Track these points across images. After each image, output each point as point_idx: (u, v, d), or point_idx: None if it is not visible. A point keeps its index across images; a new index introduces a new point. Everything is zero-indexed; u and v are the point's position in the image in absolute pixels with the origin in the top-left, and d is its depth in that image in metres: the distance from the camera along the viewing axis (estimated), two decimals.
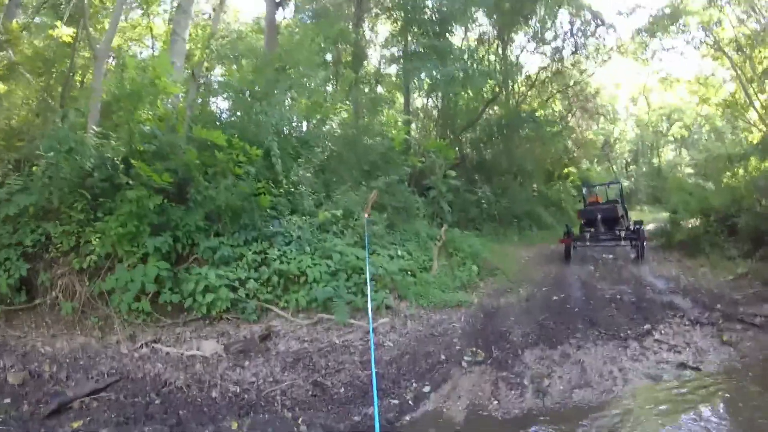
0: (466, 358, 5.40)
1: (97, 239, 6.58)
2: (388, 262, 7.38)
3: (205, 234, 6.76)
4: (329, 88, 13.81)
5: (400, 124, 10.62)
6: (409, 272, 7.84)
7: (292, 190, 8.32)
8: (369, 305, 5.40)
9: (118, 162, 6.99)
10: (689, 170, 32.21)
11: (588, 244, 11.81)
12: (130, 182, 6.54)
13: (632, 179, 28.52)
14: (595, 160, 25.92)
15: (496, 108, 19.81)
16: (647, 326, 6.35)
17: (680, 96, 26.75)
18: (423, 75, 12.60)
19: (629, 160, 31.92)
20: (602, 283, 9.58)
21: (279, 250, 6.89)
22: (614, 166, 29.22)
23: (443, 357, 5.37)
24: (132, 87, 6.31)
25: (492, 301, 7.96)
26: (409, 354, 5.32)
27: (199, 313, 6.22)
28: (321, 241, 7.35)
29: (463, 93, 19.24)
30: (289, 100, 9.01)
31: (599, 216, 13.40)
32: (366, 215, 8.00)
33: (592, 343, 5.99)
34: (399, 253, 8.04)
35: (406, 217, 9.83)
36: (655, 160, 30.85)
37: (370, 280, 6.63)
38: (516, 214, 16.47)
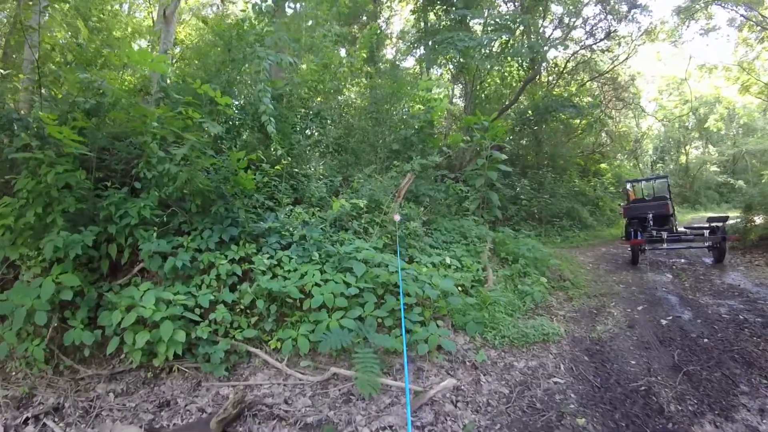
0: None
1: None
2: (436, 274, 4.56)
3: (155, 230, 4.03)
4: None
5: (436, 93, 7.80)
6: (459, 288, 5.05)
7: (296, 171, 5.55)
8: (406, 372, 2.64)
9: (30, 119, 4.31)
10: (715, 168, 28.93)
11: (665, 246, 8.90)
12: (35, 145, 3.85)
13: None
14: (625, 157, 22.75)
15: (523, 98, 16.91)
16: None
17: (716, 85, 23.48)
18: (451, 47, 9.68)
19: (655, 157, 28.61)
20: (700, 296, 7.06)
21: (270, 258, 4.13)
22: (641, 164, 25.98)
23: None
24: None
25: (585, 330, 5.14)
26: None
27: (136, 362, 3.48)
28: (336, 244, 4.57)
29: (490, 81, 16.46)
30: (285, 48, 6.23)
31: (650, 214, 10.82)
32: (396, 214, 5.20)
33: None
34: (447, 260, 5.21)
35: (447, 211, 7.00)
36: (682, 158, 27.51)
37: (411, 305, 3.84)
38: (555, 212, 13.56)
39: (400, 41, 20.80)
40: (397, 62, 18.76)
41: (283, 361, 3.61)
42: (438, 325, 4.02)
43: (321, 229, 4.78)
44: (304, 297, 3.78)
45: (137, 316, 3.27)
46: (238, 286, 3.89)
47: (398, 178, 6.21)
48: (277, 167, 4.73)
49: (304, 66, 7.29)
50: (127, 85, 7.39)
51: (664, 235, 9.10)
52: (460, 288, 5.12)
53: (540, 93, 16.83)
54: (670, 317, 5.83)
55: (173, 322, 3.31)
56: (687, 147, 27.51)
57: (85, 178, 3.94)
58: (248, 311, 3.83)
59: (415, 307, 3.94)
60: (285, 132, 5.78)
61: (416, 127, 6.69)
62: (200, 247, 4.05)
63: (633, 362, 4.41)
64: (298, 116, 6.29)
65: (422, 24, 15.29)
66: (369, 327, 3.47)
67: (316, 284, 3.77)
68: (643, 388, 3.82)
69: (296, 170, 5.58)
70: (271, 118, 4.36)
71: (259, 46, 5.05)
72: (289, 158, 5.14)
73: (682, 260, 10.11)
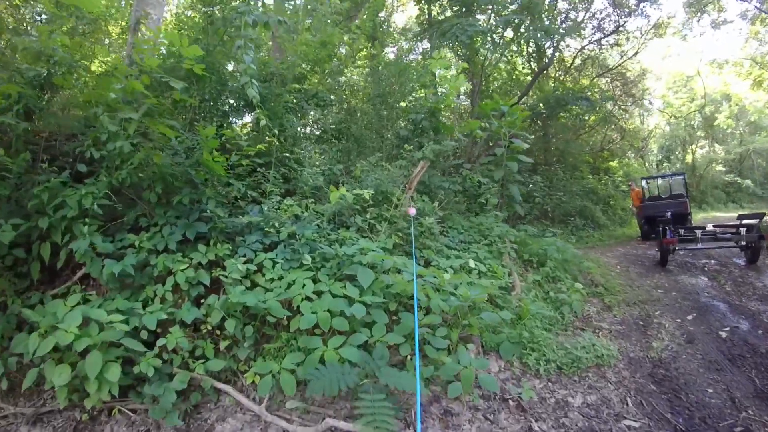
0: None
1: None
2: (460, 281, 3.53)
3: (87, 223, 2.99)
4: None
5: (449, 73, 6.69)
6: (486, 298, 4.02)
7: (287, 156, 4.53)
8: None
9: None
10: (721, 167, 27.74)
11: (699, 245, 7.88)
12: None
13: None
14: (633, 155, 21.65)
15: (531, 94, 15.87)
16: None
17: (726, 81, 22.40)
18: (459, 32, 8.61)
19: (661, 157, 27.46)
20: (747, 301, 6.23)
21: (248, 262, 3.10)
22: (647, 163, 24.84)
23: None
24: None
25: (640, 348, 4.15)
26: None
27: (62, 403, 2.46)
28: (334, 244, 3.55)
29: (497, 75, 15.43)
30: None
31: (669, 212, 9.91)
32: (410, 207, 4.17)
33: None
34: (471, 264, 4.18)
35: (460, 207, 5.98)
36: (688, 157, 26.38)
37: (434, 325, 2.83)
38: (568, 210, 12.53)
39: (402, 38, 19.80)
40: (399, 60, 17.71)
41: (262, 403, 2.58)
42: (467, 349, 2.99)
43: (316, 225, 3.76)
44: (291, 315, 2.76)
45: (54, 344, 2.25)
46: (204, 300, 2.86)
47: (408, 167, 5.20)
48: (260, 146, 3.70)
49: (298, 41, 6.27)
50: (106, 66, 6.44)
51: (698, 233, 8.09)
52: (486, 298, 4.11)
53: (551, 86, 15.80)
54: (728, 328, 4.87)
55: (105, 353, 2.29)
56: (693, 146, 26.37)
57: (26, 161, 2.93)
58: (218, 333, 2.80)
59: (439, 328, 2.91)
60: (276, 111, 4.77)
61: (429, 106, 5.61)
62: (157, 248, 3.03)
63: (710, 390, 3.44)
64: (292, 96, 5.27)
65: (426, 15, 14.29)
66: (379, 359, 2.44)
67: (307, 298, 2.74)
68: (739, 429, 2.83)
69: (287, 155, 4.56)
70: (253, 80, 3.36)
71: (242, 3, 4.04)
72: (277, 133, 4.10)
73: (712, 261, 9.08)
